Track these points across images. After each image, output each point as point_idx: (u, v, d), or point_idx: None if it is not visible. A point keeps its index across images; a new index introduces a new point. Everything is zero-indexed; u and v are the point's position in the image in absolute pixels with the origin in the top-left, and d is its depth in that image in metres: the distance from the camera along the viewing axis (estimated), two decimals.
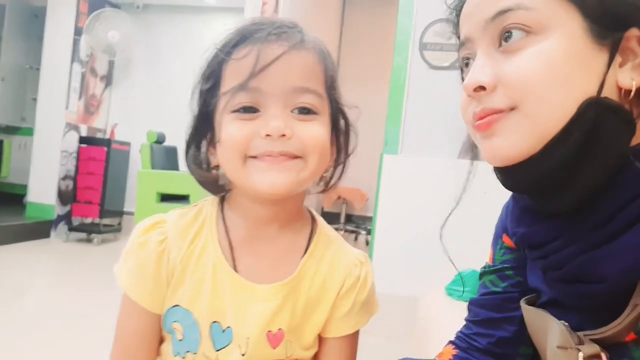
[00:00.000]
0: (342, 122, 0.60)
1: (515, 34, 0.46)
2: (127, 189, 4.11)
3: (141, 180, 3.21)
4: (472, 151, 0.56)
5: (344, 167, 0.61)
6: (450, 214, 0.58)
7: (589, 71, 0.44)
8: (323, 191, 0.61)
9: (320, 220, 0.63)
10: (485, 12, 0.48)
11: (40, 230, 3.74)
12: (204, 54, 0.56)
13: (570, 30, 0.44)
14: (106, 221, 3.92)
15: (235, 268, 0.57)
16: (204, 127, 0.57)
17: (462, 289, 1.34)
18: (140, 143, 3.56)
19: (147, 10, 4.64)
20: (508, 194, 0.62)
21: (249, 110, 0.53)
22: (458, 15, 0.53)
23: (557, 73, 0.44)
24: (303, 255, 0.59)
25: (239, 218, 0.59)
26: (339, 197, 5.18)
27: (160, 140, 3.60)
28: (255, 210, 0.57)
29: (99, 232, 3.77)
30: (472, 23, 0.50)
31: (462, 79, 0.56)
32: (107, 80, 4.51)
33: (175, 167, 3.64)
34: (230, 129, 0.53)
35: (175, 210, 0.60)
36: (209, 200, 0.61)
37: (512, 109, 0.46)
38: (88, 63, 4.14)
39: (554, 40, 0.44)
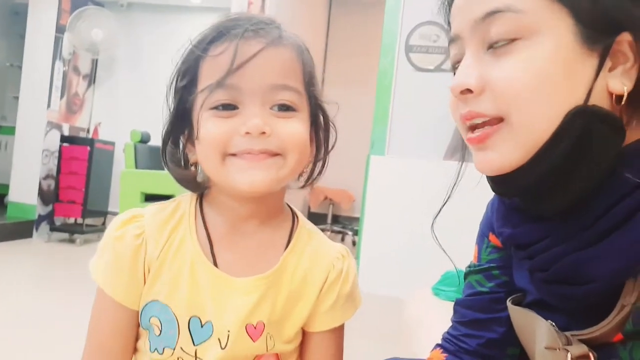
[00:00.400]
0: (321, 118, 0.60)
1: (502, 42, 0.45)
2: (111, 189, 4.06)
3: (125, 180, 3.17)
4: (458, 152, 0.56)
5: (324, 163, 0.61)
6: (441, 208, 0.58)
7: (576, 78, 0.44)
8: (303, 187, 0.61)
9: (301, 215, 0.63)
10: (475, 11, 0.46)
11: (21, 230, 3.66)
12: (179, 50, 0.56)
13: (559, 35, 0.44)
14: (89, 221, 3.86)
15: (215, 263, 0.56)
16: (181, 124, 0.57)
17: (448, 289, 1.35)
18: (124, 142, 3.51)
19: (132, 9, 4.58)
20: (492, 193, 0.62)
21: (228, 107, 0.52)
22: (450, 4, 0.52)
23: (544, 83, 0.43)
24: (284, 250, 0.59)
25: (218, 214, 0.58)
26: (326, 198, 5.18)
27: (144, 139, 3.55)
28: (234, 207, 0.57)
29: (82, 233, 3.71)
30: (462, 20, 0.49)
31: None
32: (90, 79, 4.44)
33: (159, 166, 3.58)
34: (209, 127, 0.52)
35: (153, 205, 0.59)
36: (187, 196, 0.60)
37: (500, 118, 0.45)
38: (70, 61, 4.07)
39: (543, 47, 0.44)
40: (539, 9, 0.44)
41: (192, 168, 0.58)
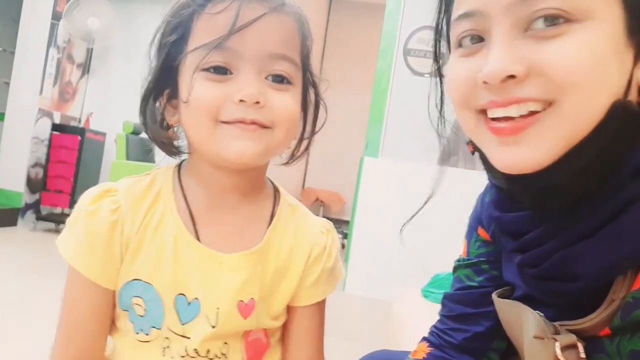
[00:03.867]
0: (312, 95, 0.58)
1: (548, 22, 0.41)
2: (101, 180, 4.01)
3: (115, 171, 3.14)
4: (453, 157, 0.55)
5: (309, 143, 0.59)
6: (414, 215, 0.56)
7: (622, 68, 0.42)
8: (286, 164, 0.60)
9: (282, 190, 0.62)
10: None
11: (6, 218, 3.60)
12: (171, 1, 0.53)
13: (612, 22, 0.41)
14: None
15: (198, 238, 0.54)
16: (164, 82, 0.54)
17: (438, 291, 1.35)
18: (115, 133, 3.48)
19: (130, 0, 4.55)
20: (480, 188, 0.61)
21: (220, 70, 0.50)
22: None
23: (600, 67, 0.40)
24: (268, 225, 0.58)
25: (198, 186, 0.56)
26: (317, 200, 5.18)
27: (136, 131, 3.52)
28: (216, 177, 0.55)
29: None
30: None
31: (435, 53, 0.53)
32: (84, 68, 4.40)
33: (151, 159, 3.56)
34: (200, 90, 0.50)
35: (126, 179, 0.57)
36: (162, 169, 0.58)
37: (547, 103, 0.41)
38: (65, 49, 4.02)
39: (598, 31, 0.40)
40: None
41: (170, 131, 0.56)
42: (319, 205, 5.18)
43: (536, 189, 0.45)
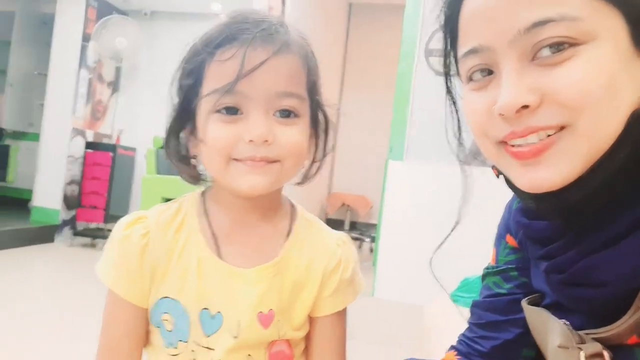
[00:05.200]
0: (322, 120, 0.62)
1: (554, 49, 0.41)
2: (132, 194, 4.12)
3: (146, 186, 3.22)
4: (479, 156, 0.55)
5: (320, 165, 0.63)
6: (447, 237, 0.57)
7: (633, 80, 0.42)
8: (300, 184, 0.63)
9: (299, 206, 0.66)
10: (517, 20, 0.42)
11: (44, 234, 3.74)
12: (186, 46, 0.58)
13: (617, 37, 0.41)
14: (111, 226, 3.89)
15: (220, 256, 0.58)
16: (184, 119, 0.59)
17: (468, 295, 1.33)
18: (146, 149, 3.57)
19: (155, 17, 4.68)
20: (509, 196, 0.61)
21: (231, 110, 0.55)
22: (458, 11, 0.48)
23: (611, 85, 0.41)
24: (286, 240, 0.61)
25: (220, 210, 0.61)
26: (343, 204, 5.17)
27: None
28: (236, 202, 0.60)
29: (104, 237, 3.76)
30: (494, 31, 0.43)
31: (447, 86, 0.54)
32: (114, 86, 4.54)
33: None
34: (215, 132, 0.55)
35: (156, 207, 0.62)
36: (188, 197, 0.63)
37: (562, 127, 0.42)
38: (95, 69, 4.16)
39: (605, 50, 0.41)
40: (593, 13, 0.41)
41: (193, 160, 0.61)
42: (345, 209, 5.17)
43: (563, 205, 0.45)
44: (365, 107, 5.03)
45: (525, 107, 0.43)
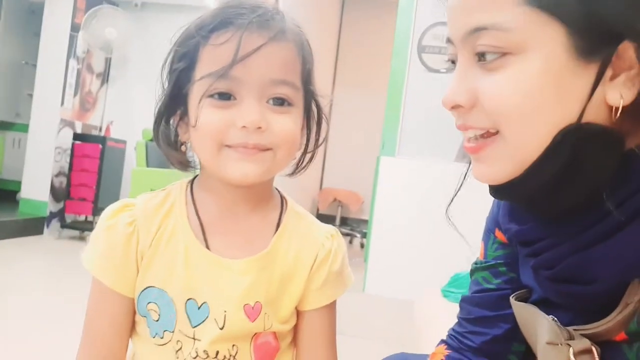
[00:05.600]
0: (315, 111, 0.61)
1: (490, 55, 0.44)
2: (122, 187, 4.08)
3: (136, 178, 3.19)
4: (465, 156, 0.56)
5: (312, 156, 0.63)
6: (453, 198, 0.57)
7: (570, 93, 0.43)
8: (291, 175, 0.63)
9: (290, 199, 0.65)
10: (464, 23, 0.45)
11: (32, 226, 3.70)
12: (179, 30, 0.57)
13: (550, 51, 0.42)
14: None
15: (207, 246, 0.58)
16: (175, 104, 0.58)
17: (458, 291, 1.34)
18: (136, 141, 3.53)
19: (146, 8, 4.62)
20: None
21: (224, 96, 0.54)
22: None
23: (533, 101, 0.43)
24: (275, 232, 0.60)
25: (209, 199, 0.60)
26: (335, 200, 5.17)
27: None
28: (226, 191, 0.59)
29: (92, 230, 3.71)
30: (453, 27, 0.48)
31: None
32: (104, 77, 4.48)
33: (170, 165, 3.61)
34: (207, 117, 0.53)
35: (144, 195, 0.61)
36: (177, 184, 0.62)
37: (495, 131, 0.46)
38: (84, 60, 4.11)
39: (532, 64, 0.42)
40: (527, 24, 0.42)
41: (182, 147, 0.60)
42: (337, 205, 5.17)
43: (517, 199, 0.49)
44: (358, 103, 5.03)
45: (460, 106, 0.47)
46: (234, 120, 0.53)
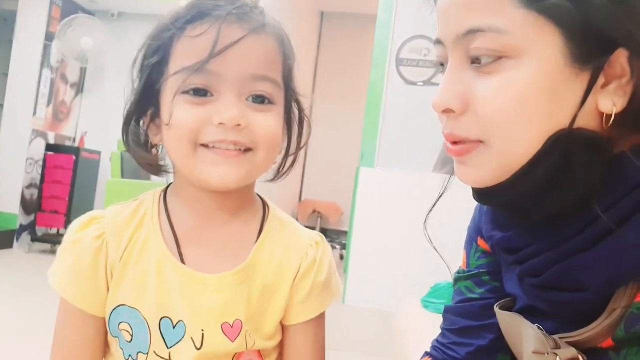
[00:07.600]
0: (296, 111, 0.58)
1: (485, 58, 0.43)
2: (96, 199, 3.99)
3: (110, 190, 3.11)
4: (448, 164, 0.55)
5: (294, 159, 0.59)
6: (430, 209, 0.56)
7: (563, 99, 0.42)
8: (272, 180, 0.59)
9: (272, 205, 0.61)
10: (457, 24, 0.44)
11: (1, 240, 3.57)
12: (153, 25, 0.53)
13: (546, 56, 0.42)
14: None
15: (182, 260, 0.53)
16: (146, 103, 0.54)
17: (438, 301, 1.33)
18: (110, 152, 3.47)
19: (122, 18, 4.57)
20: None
21: (200, 92, 0.50)
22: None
23: (525, 107, 0.42)
24: (256, 240, 0.56)
25: (183, 207, 0.55)
26: (314, 211, 5.16)
27: None
28: (202, 198, 0.54)
29: None
30: (444, 27, 0.46)
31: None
32: (78, 87, 4.40)
33: (146, 176, 3.55)
34: (181, 114, 0.50)
35: (114, 205, 0.56)
36: (150, 193, 0.58)
37: (480, 140, 0.45)
38: (58, 69, 4.03)
39: (526, 69, 0.42)
40: (524, 28, 0.41)
41: (154, 150, 0.56)
42: (316, 216, 5.16)
43: (503, 204, 0.48)
44: (337, 114, 5.04)
45: (451, 110, 0.45)
46: (210, 116, 0.49)
